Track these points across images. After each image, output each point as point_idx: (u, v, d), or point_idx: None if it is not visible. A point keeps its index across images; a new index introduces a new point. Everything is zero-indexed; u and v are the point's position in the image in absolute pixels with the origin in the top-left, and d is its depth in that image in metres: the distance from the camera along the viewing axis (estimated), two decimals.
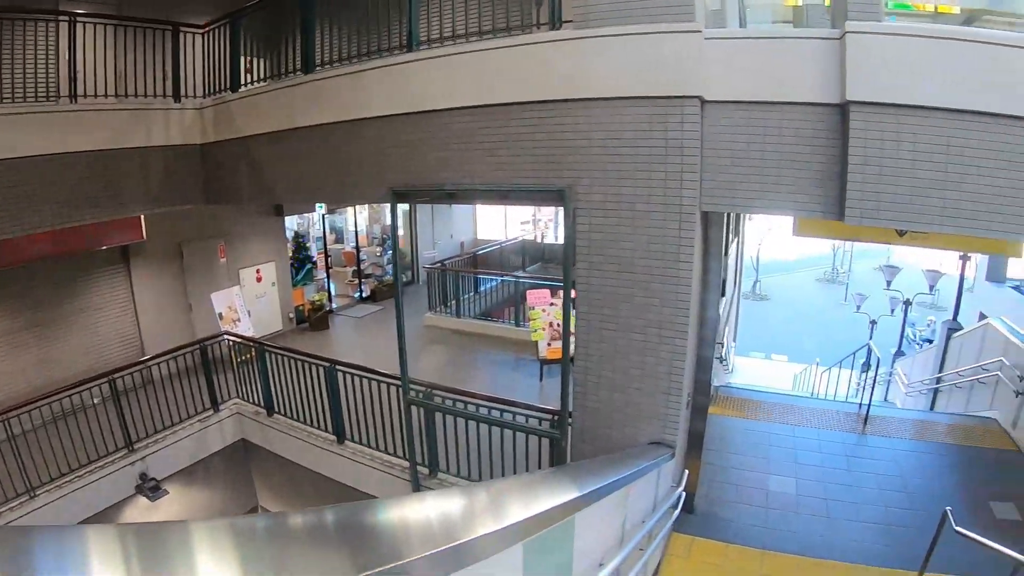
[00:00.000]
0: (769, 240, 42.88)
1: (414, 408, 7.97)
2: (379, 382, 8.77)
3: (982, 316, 14.87)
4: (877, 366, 10.37)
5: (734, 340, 19.45)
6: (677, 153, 5.75)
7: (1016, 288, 23.08)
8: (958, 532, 5.43)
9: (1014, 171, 5.02)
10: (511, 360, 12.96)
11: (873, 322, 21.80)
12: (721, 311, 10.73)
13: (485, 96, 6.62)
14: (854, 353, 13.96)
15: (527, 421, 7.39)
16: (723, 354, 11.77)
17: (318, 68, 8.36)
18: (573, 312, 6.61)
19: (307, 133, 8.40)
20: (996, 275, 23.68)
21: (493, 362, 13.08)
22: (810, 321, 36.50)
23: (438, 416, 8.10)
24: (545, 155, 6.33)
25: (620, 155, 5.97)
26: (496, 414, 7.57)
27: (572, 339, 6.66)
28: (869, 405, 10.09)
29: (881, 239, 8.19)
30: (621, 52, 5.83)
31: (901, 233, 7.67)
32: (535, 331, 11.55)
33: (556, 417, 7.06)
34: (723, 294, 10.93)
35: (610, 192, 6.08)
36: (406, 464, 8.41)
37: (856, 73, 5.18)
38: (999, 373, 10.68)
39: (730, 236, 13.13)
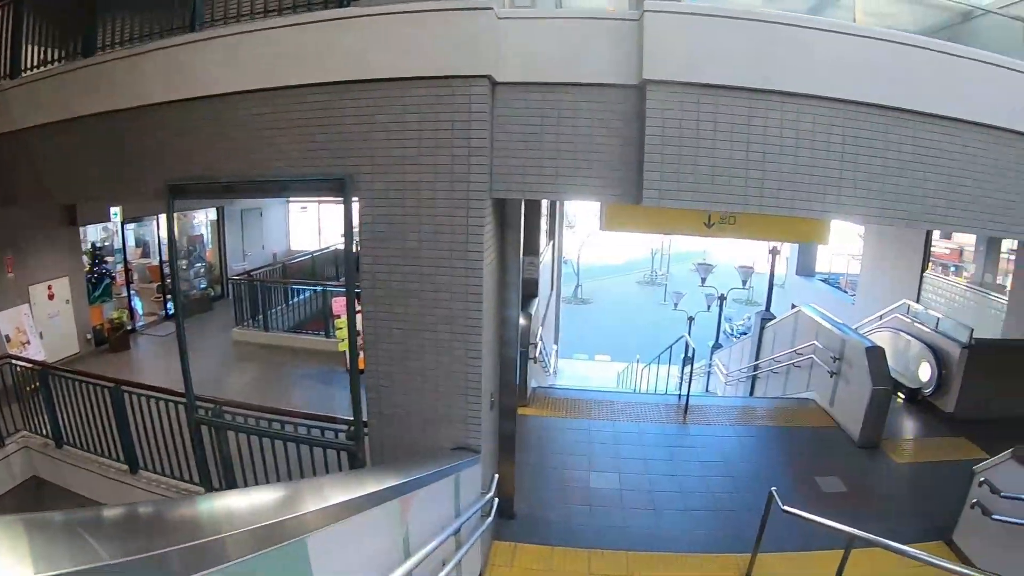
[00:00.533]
0: (590, 245, 44.01)
1: (204, 428, 7.19)
2: (167, 402, 7.82)
3: (794, 307, 15.67)
4: (693, 357, 10.56)
5: (555, 343, 19.50)
6: (464, 136, 5.35)
7: (824, 280, 24.81)
8: (786, 511, 5.54)
9: (814, 149, 5.04)
10: (324, 373, 12.26)
11: (691, 318, 22.67)
12: (536, 312, 10.57)
13: (271, 78, 5.94)
14: (671, 347, 14.29)
15: (323, 434, 6.77)
16: (540, 355, 11.58)
17: (99, 51, 7.37)
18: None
19: (87, 124, 7.33)
20: (805, 270, 25.34)
21: (305, 376, 12.34)
22: (632, 321, 37.79)
23: (233, 436, 7.31)
24: (329, 141, 5.75)
25: (405, 139, 5.49)
26: (291, 429, 6.91)
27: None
28: (688, 396, 10.21)
29: (690, 230, 8.16)
30: (409, 30, 5.37)
31: (709, 224, 7.70)
32: (341, 341, 10.91)
33: (351, 428, 6.50)
34: (536, 294, 10.80)
35: (394, 179, 5.58)
36: (203, 491, 7.59)
37: (653, 52, 5.03)
38: (813, 356, 11.18)
39: (543, 238, 13.08)
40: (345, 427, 6.60)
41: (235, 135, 6.21)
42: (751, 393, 14.61)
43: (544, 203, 14.69)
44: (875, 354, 9.78)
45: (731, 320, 34.58)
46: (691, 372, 10.60)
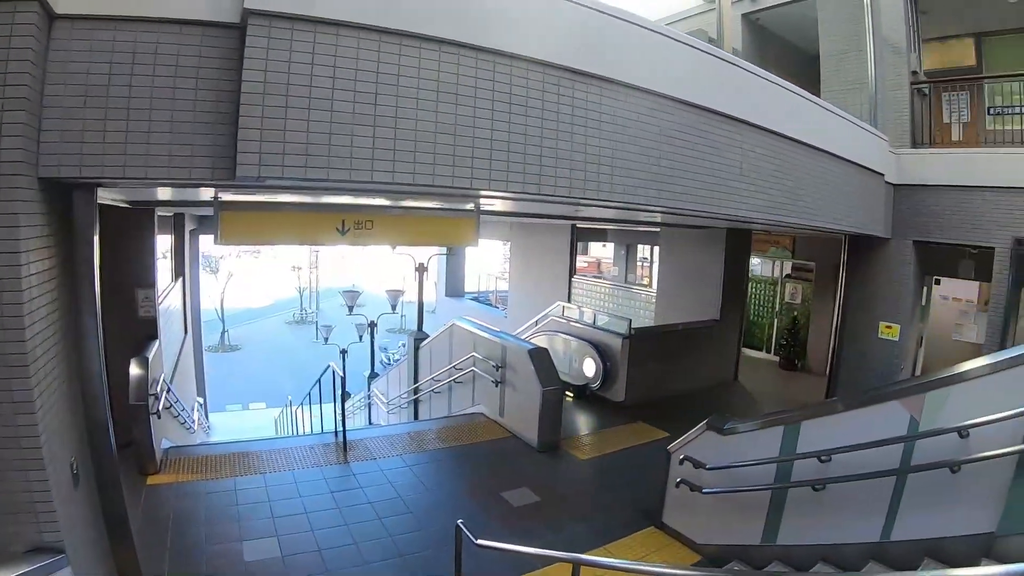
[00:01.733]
0: (233, 288, 41.34)
1: None
2: None
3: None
4: (345, 387, 9.25)
5: (199, 396, 17.22)
6: None
7: (475, 299, 25.19)
8: (480, 546, 4.62)
9: (461, 105, 4.04)
10: None
11: (343, 351, 21.35)
12: (157, 358, 8.62)
13: None
14: (319, 379, 12.82)
15: None
16: (175, 409, 9.59)
17: None
18: None
19: None
20: (455, 291, 25.62)
21: None
22: (285, 364, 35.59)
23: None
24: None
25: None
26: None
27: None
28: (344, 431, 8.90)
29: (322, 238, 6.92)
30: None
31: (343, 230, 6.59)
32: None
33: None
34: (156, 337, 8.87)
35: None
36: None
37: None
38: (474, 368, 10.52)
39: (167, 272, 11.14)
40: None
41: None
42: (415, 418, 13.69)
43: (169, 238, 12.69)
44: (539, 355, 9.46)
45: (387, 350, 34.12)
46: (343, 405, 9.30)
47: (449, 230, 7.56)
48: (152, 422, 7.62)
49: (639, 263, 19.18)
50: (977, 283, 13.19)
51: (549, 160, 4.57)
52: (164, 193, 6.80)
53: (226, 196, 6.22)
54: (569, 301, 16.73)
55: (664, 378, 12.38)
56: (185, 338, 14.68)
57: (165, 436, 8.71)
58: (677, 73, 5.59)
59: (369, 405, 18.65)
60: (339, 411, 9.10)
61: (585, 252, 19.84)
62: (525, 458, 8.95)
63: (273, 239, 6.83)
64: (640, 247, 18.84)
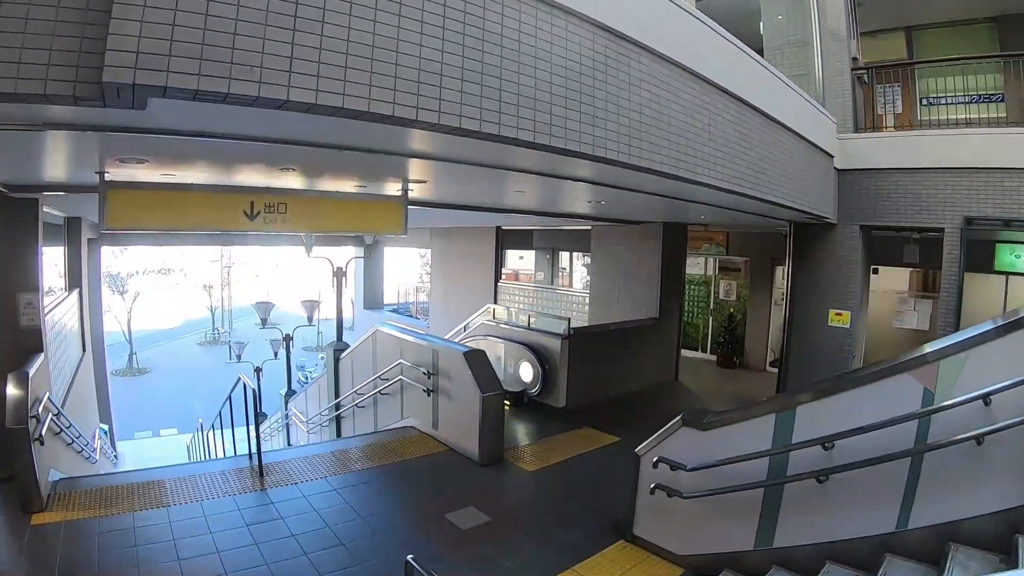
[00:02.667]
0: (141, 308, 39.34)
1: None
2: None
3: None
4: (257, 404, 8.14)
5: (103, 422, 15.78)
6: None
7: (394, 311, 24.28)
8: None
9: (406, 17, 3.23)
10: None
11: (258, 369, 19.98)
12: (40, 375, 7.45)
13: None
14: (229, 397, 11.62)
15: None
16: (72, 438, 8.39)
17: None
18: None
19: None
20: (373, 303, 24.71)
21: None
22: (197, 386, 33.68)
23: None
24: None
25: None
26: None
27: None
28: (259, 453, 7.84)
29: (226, 222, 6.11)
30: None
31: (252, 215, 6.05)
32: None
33: None
34: (41, 350, 7.74)
35: None
36: None
37: None
38: (402, 377, 9.58)
39: (54, 276, 9.94)
40: None
41: None
42: (338, 436, 12.65)
43: (63, 246, 11.75)
44: (476, 358, 8.62)
45: (304, 368, 32.80)
46: (257, 423, 8.24)
47: (373, 215, 6.92)
48: (35, 450, 6.47)
49: (565, 268, 18.66)
50: (908, 273, 13.23)
51: (510, 96, 3.75)
52: (51, 168, 5.71)
53: (114, 172, 5.33)
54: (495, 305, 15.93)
55: (606, 380, 11.73)
56: (83, 357, 13.30)
57: (55, 467, 7.52)
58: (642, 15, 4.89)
59: (288, 425, 17.20)
60: (253, 431, 8.00)
61: (503, 264, 19.07)
62: (467, 473, 8.04)
63: (169, 224, 5.92)
64: (566, 251, 18.35)
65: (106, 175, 5.36)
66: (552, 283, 18.48)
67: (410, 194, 6.84)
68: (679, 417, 5.66)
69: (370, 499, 7.28)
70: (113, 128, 3.47)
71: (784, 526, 5.10)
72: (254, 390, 8.15)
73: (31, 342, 7.79)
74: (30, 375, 6.75)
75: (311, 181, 6.15)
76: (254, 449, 7.90)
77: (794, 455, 4.90)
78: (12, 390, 6.50)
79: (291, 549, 5.99)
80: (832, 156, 9.78)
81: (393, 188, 6.67)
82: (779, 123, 7.43)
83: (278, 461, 8.26)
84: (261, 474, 7.71)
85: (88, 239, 14.90)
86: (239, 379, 9.41)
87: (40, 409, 6.76)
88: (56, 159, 5.17)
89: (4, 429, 6.40)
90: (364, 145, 4.38)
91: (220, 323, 49.11)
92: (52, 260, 11.36)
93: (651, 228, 13.59)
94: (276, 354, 23.21)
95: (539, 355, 10.99)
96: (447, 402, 8.87)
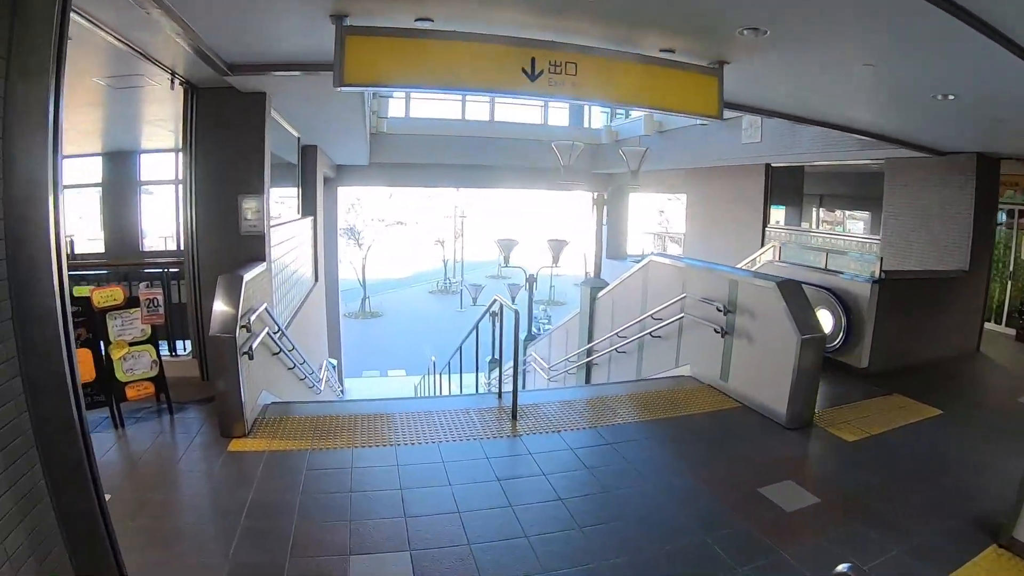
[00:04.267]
0: (375, 258, 41.11)
1: None
2: None
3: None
4: (519, 329, 6.63)
5: (332, 357, 15.40)
6: None
7: (636, 261, 22.60)
8: None
9: None
10: None
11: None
12: (258, 282, 6.50)
13: None
14: (476, 327, 10.30)
15: None
16: (295, 362, 7.44)
17: None
18: None
19: None
20: (616, 253, 23.12)
21: None
22: (427, 332, 33.73)
23: None
24: None
25: None
26: None
27: None
28: (515, 391, 6.33)
29: (500, 82, 4.88)
30: None
31: (533, 74, 4.71)
32: None
33: None
34: (263, 260, 6.88)
35: None
36: None
37: None
38: (685, 314, 7.73)
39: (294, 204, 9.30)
40: None
41: None
42: (587, 383, 11.09)
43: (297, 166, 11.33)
44: (793, 291, 6.56)
45: (537, 319, 31.94)
46: (517, 353, 6.75)
47: (681, 88, 5.29)
48: (242, 365, 5.35)
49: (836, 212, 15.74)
50: None
51: None
52: (280, 20, 4.52)
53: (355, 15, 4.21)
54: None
55: (910, 341, 9.13)
56: (314, 287, 12.71)
57: (268, 390, 6.48)
58: None
59: (524, 371, 15.85)
60: (506, 359, 6.50)
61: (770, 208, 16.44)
62: (773, 438, 6.08)
63: (422, 78, 4.54)
64: (841, 196, 15.40)
65: (345, 20, 4.21)
66: (834, 228, 15.67)
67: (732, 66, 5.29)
68: None
69: (654, 459, 5.60)
70: None
71: None
72: (516, 311, 6.75)
73: (252, 250, 6.86)
74: (244, 280, 5.65)
75: (609, 35, 4.80)
76: (507, 386, 6.41)
77: None
78: (221, 293, 5.43)
79: (560, 518, 4.41)
80: None
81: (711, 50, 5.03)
82: None
83: (530, 404, 6.76)
84: (514, 416, 6.24)
85: (324, 177, 14.84)
86: (494, 300, 8.00)
87: (253, 319, 5.64)
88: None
89: (211, 341, 5.37)
90: None
91: (451, 273, 49.71)
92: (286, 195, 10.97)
93: (960, 161, 10.71)
94: (514, 299, 22.31)
95: (842, 302, 8.68)
96: (745, 346, 6.95)
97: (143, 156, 13.92)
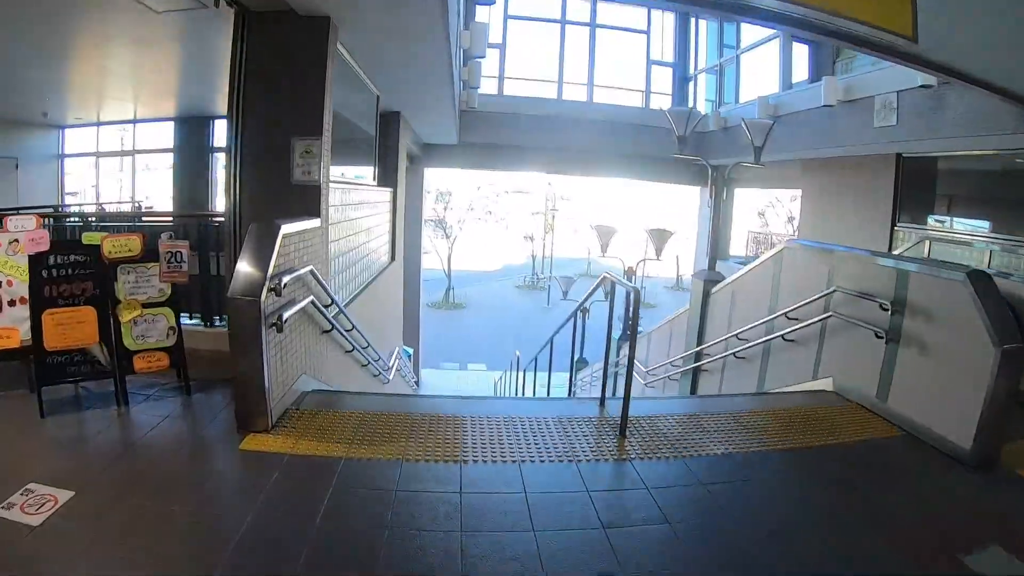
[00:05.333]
0: (463, 250, 41.41)
1: None
2: None
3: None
4: (628, 314, 5.24)
5: (408, 345, 14.35)
6: None
7: (740, 263, 21.23)
8: None
9: None
10: None
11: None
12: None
13: None
14: (578, 310, 8.91)
15: None
16: (353, 344, 6.25)
17: None
18: None
19: None
20: (719, 254, 21.56)
21: None
22: (512, 327, 32.49)
23: None
24: None
25: None
26: None
27: None
28: (626, 400, 4.85)
29: None
30: None
31: None
32: None
33: None
34: (319, 215, 5.69)
35: None
36: None
37: None
38: (834, 313, 6.10)
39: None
40: None
41: None
42: (692, 392, 9.57)
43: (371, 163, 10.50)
44: (986, 286, 4.88)
45: (621, 319, 30.39)
46: (633, 347, 5.31)
47: None
48: (267, 339, 4.09)
49: None
50: None
51: None
52: None
53: None
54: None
55: None
56: (390, 266, 11.58)
57: (310, 374, 5.22)
58: None
59: (615, 374, 14.12)
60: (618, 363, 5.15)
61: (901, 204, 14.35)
62: (956, 481, 4.36)
63: None
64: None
65: None
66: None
67: None
68: None
69: (820, 505, 3.96)
70: None
71: None
72: (629, 292, 5.21)
73: (305, 201, 5.61)
74: (282, 232, 4.39)
75: None
76: (610, 391, 4.98)
77: None
78: (250, 246, 4.19)
79: None
80: None
81: None
82: None
83: (642, 416, 5.18)
84: (623, 432, 4.75)
85: (409, 154, 14.36)
86: (602, 277, 6.51)
87: (287, 280, 4.36)
88: None
89: (230, 306, 4.14)
90: None
91: (539, 270, 48.67)
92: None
93: None
94: (606, 295, 20.87)
95: (1011, 308, 6.90)
96: (915, 356, 5.24)
97: (216, 122, 13.37)
